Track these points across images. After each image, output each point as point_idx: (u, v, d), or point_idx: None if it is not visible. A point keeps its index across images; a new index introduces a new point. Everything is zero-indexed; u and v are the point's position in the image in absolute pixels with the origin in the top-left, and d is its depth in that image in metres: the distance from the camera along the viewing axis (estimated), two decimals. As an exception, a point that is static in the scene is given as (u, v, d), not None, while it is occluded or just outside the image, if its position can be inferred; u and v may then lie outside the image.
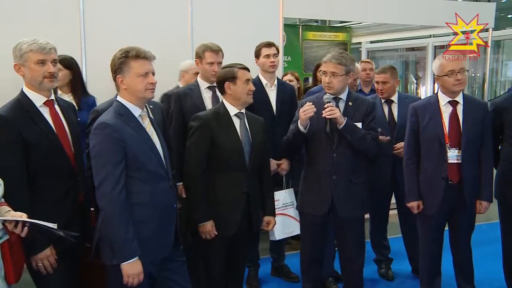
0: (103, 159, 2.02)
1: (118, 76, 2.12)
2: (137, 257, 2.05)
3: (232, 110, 2.67)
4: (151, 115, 2.28)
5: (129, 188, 2.05)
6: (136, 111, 2.16)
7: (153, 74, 2.16)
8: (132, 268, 2.04)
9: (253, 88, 2.66)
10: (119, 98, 2.18)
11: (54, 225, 1.87)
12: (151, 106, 2.43)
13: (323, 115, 2.71)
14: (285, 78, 4.31)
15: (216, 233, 2.60)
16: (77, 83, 3.33)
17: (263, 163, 2.80)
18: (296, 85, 4.25)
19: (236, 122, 2.68)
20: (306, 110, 2.69)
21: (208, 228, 2.59)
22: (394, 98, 3.63)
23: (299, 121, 2.75)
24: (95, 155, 2.05)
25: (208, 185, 2.61)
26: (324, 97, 2.81)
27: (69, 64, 3.27)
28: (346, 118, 2.74)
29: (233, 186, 2.63)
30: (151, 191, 2.13)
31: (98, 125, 2.07)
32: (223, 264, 2.71)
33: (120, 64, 2.10)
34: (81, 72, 3.46)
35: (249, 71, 2.69)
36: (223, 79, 2.66)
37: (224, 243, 2.67)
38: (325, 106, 2.72)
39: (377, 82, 3.61)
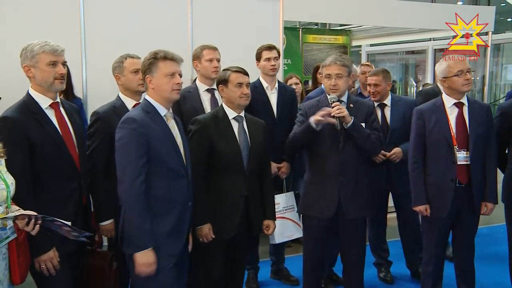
0: (127, 152, 2.12)
1: (147, 76, 2.24)
2: (150, 248, 2.10)
3: (231, 113, 2.67)
4: (177, 118, 2.38)
5: (150, 182, 2.14)
6: (162, 110, 2.26)
7: (180, 76, 2.27)
8: (143, 258, 2.10)
9: (246, 91, 2.64)
10: (146, 97, 2.28)
11: (68, 223, 1.87)
12: None
13: (332, 114, 2.72)
14: (291, 81, 4.30)
15: (213, 236, 2.59)
16: (67, 86, 3.29)
17: (263, 166, 2.79)
18: (300, 89, 4.25)
19: (235, 125, 2.67)
20: (338, 109, 2.70)
21: (205, 231, 2.58)
22: (387, 101, 3.59)
23: (313, 118, 2.72)
24: (119, 147, 2.15)
25: (207, 188, 2.61)
26: (329, 97, 2.82)
27: None
28: (353, 117, 2.76)
29: (231, 189, 2.62)
30: (170, 187, 2.21)
31: (126, 120, 2.17)
32: (222, 267, 2.70)
33: (149, 64, 2.22)
34: (69, 74, 3.38)
35: (246, 74, 2.68)
36: (217, 82, 2.72)
37: (223, 246, 2.66)
38: (332, 105, 2.74)
39: (369, 85, 3.59)
